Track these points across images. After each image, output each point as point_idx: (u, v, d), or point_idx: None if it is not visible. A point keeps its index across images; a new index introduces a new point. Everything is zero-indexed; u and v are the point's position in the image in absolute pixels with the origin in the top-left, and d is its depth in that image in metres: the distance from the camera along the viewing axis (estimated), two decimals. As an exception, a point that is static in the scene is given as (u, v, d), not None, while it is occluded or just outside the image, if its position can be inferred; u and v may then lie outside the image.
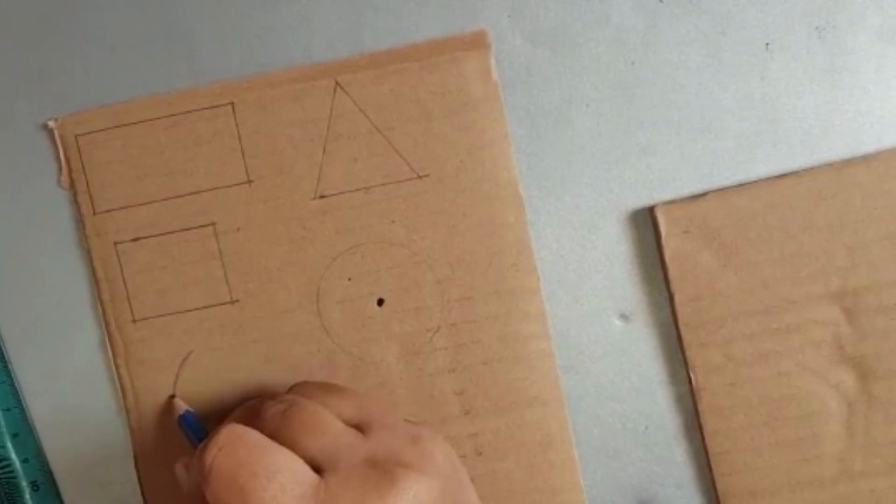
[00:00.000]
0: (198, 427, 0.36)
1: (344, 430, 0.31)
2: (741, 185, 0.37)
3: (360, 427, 0.31)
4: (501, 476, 0.37)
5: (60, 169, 0.37)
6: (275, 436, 0.30)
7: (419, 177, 0.37)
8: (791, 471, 0.37)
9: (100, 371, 0.38)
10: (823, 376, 0.37)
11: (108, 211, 0.37)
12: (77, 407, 0.38)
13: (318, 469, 0.29)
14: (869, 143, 0.37)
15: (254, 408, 0.32)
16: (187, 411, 0.36)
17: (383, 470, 0.29)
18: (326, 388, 0.34)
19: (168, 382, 0.37)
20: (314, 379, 0.37)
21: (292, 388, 0.34)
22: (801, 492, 0.37)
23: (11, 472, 0.38)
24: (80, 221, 0.37)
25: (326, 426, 0.31)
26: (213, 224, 0.37)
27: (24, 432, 0.38)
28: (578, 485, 0.37)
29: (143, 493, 0.38)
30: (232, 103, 0.37)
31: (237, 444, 0.29)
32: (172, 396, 0.37)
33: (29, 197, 0.37)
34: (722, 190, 0.37)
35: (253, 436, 0.30)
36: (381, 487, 0.28)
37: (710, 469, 0.37)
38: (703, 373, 0.37)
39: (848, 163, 0.37)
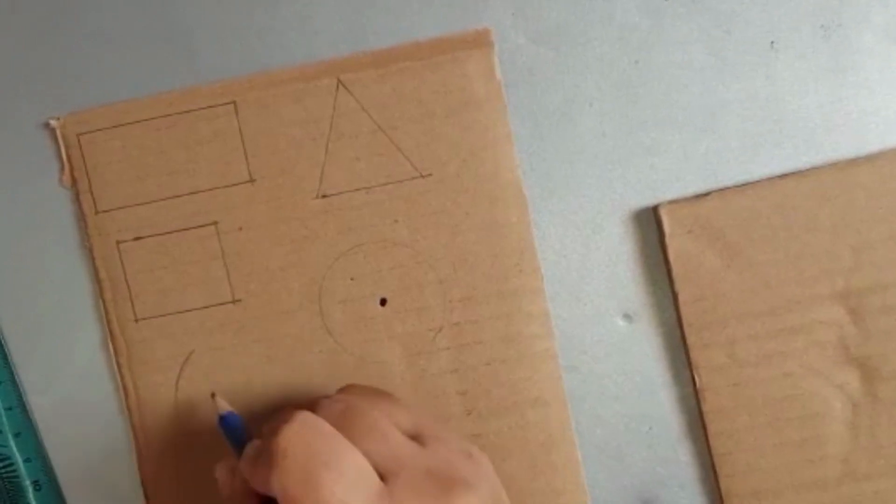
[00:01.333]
0: (241, 429, 0.35)
1: (403, 439, 0.31)
2: (745, 185, 0.37)
3: (415, 437, 0.31)
4: (504, 476, 0.37)
5: (62, 168, 0.37)
6: None
7: (422, 176, 0.37)
8: (795, 472, 0.37)
9: (102, 370, 0.38)
10: (827, 377, 0.37)
11: (110, 210, 0.37)
12: (79, 406, 0.38)
13: (380, 475, 0.29)
14: (873, 143, 0.37)
15: (308, 405, 0.32)
16: (229, 413, 0.35)
17: (444, 483, 0.29)
18: (379, 394, 0.33)
19: (170, 382, 0.37)
20: (320, 380, 0.37)
21: (344, 389, 0.34)
22: (804, 493, 0.37)
23: (14, 471, 0.38)
24: (81, 221, 0.37)
25: (386, 433, 0.30)
26: (215, 223, 0.37)
27: (27, 431, 0.38)
28: (581, 485, 0.37)
29: (144, 493, 0.38)
30: (234, 102, 0.37)
31: (312, 432, 0.29)
32: (213, 395, 0.36)
33: (31, 196, 0.37)
34: (726, 190, 0.37)
35: (329, 428, 0.29)
36: (442, 499, 0.29)
37: (714, 470, 0.37)
38: (706, 373, 0.37)
39: (852, 162, 0.36)
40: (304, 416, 0.29)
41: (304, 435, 0.29)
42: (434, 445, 0.31)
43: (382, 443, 0.30)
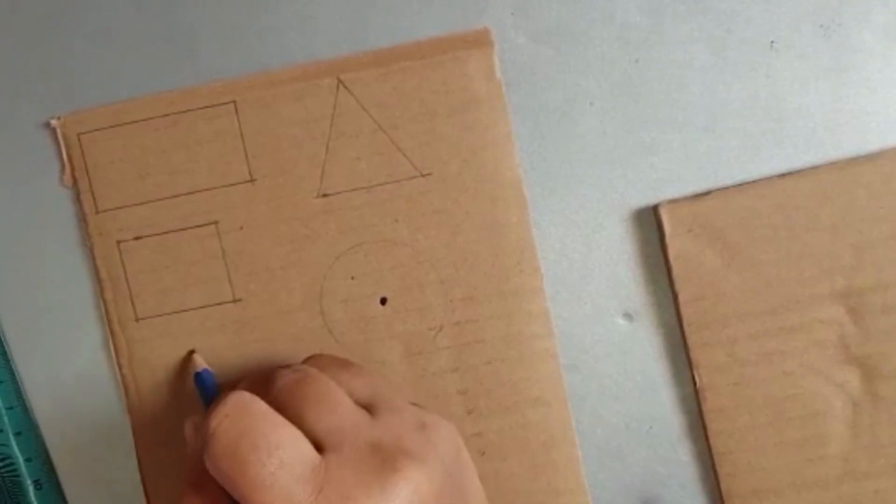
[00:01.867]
0: (213, 388, 0.35)
1: (353, 410, 0.30)
2: (746, 184, 0.37)
3: (368, 407, 0.31)
4: (504, 476, 0.37)
5: (63, 168, 0.37)
6: (283, 406, 0.30)
7: (422, 175, 0.37)
8: (795, 471, 0.37)
9: (102, 370, 0.38)
10: (828, 376, 0.37)
11: (111, 210, 0.37)
12: (80, 406, 0.38)
13: (320, 447, 0.29)
14: (874, 142, 0.37)
15: (267, 375, 0.32)
16: (205, 370, 0.36)
17: (386, 456, 0.29)
18: (341, 364, 0.33)
19: (171, 381, 0.37)
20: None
21: (309, 359, 0.34)
22: (805, 492, 0.37)
23: (15, 470, 0.38)
24: (82, 220, 0.37)
25: (336, 403, 0.30)
26: (216, 223, 0.37)
27: (28, 431, 0.38)
28: (582, 485, 0.37)
29: (145, 492, 0.38)
30: (234, 102, 0.37)
31: (243, 413, 0.29)
32: (192, 351, 0.37)
33: (31, 196, 0.37)
34: (726, 189, 0.37)
35: (259, 406, 0.29)
36: (382, 473, 0.28)
37: (715, 469, 0.37)
38: (707, 373, 0.37)
39: (853, 162, 0.36)
40: (236, 397, 0.29)
41: (233, 416, 0.29)
42: (385, 416, 0.30)
43: (329, 413, 0.30)
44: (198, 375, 0.36)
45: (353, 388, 0.32)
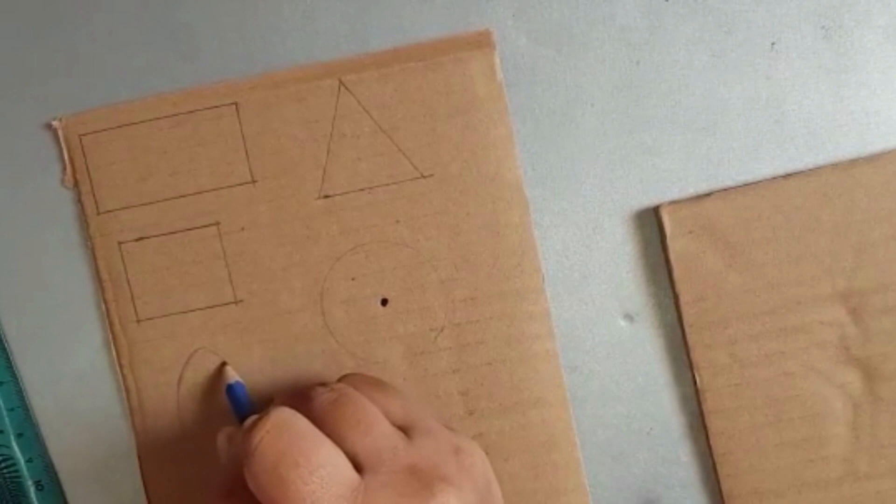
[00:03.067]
0: (245, 400, 0.36)
1: (390, 432, 0.31)
2: (746, 185, 0.37)
3: (404, 429, 0.31)
4: (506, 477, 0.37)
5: (64, 169, 0.37)
6: (321, 425, 0.30)
7: (423, 177, 0.37)
8: (796, 472, 0.37)
9: (104, 371, 0.38)
10: (829, 377, 0.37)
11: (112, 210, 0.37)
12: (81, 407, 0.38)
13: (359, 467, 0.29)
14: (875, 143, 0.37)
15: (303, 392, 0.32)
16: (237, 382, 0.36)
17: (424, 480, 0.29)
18: (376, 385, 0.34)
19: (172, 383, 0.37)
20: (322, 381, 0.37)
21: (344, 378, 0.34)
22: (806, 493, 0.37)
23: (16, 471, 0.38)
24: (83, 221, 0.37)
25: (374, 424, 0.30)
26: (217, 224, 0.37)
27: (29, 432, 0.38)
28: (583, 486, 0.37)
29: (146, 493, 0.38)
30: (236, 103, 0.37)
31: (285, 430, 0.29)
32: (224, 364, 0.37)
33: (32, 197, 0.37)
34: (727, 190, 0.37)
35: (302, 424, 0.29)
36: (420, 497, 0.28)
37: (715, 470, 0.37)
38: (708, 373, 0.37)
39: (854, 163, 0.36)
40: (278, 413, 0.29)
41: (275, 433, 0.29)
42: (421, 440, 0.31)
43: (367, 435, 0.30)
44: (230, 388, 0.36)
45: (389, 410, 0.32)
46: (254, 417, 0.30)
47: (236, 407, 0.36)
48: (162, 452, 0.37)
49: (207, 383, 0.37)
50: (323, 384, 0.33)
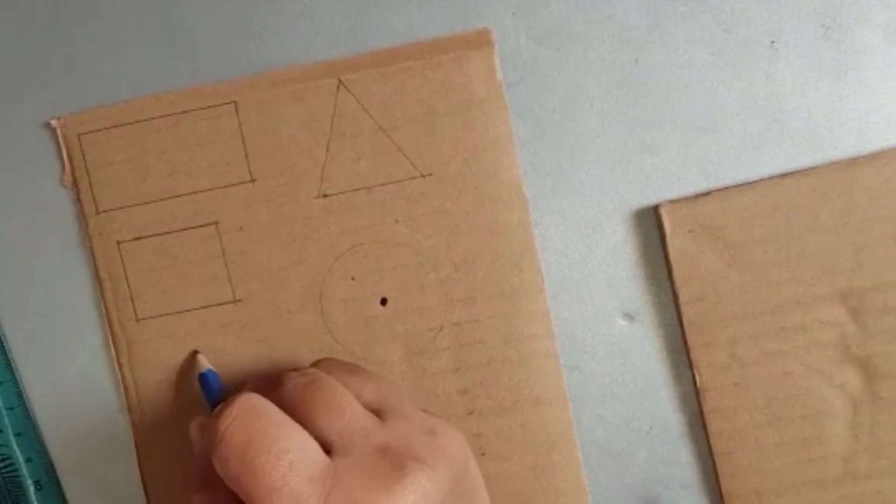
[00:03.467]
0: (217, 388, 0.35)
1: (362, 414, 0.30)
2: (746, 185, 0.37)
3: (377, 412, 0.31)
4: (505, 476, 0.37)
5: (63, 168, 0.37)
6: (292, 410, 0.30)
7: (422, 176, 0.37)
8: (796, 471, 0.37)
9: (103, 370, 0.38)
10: (829, 376, 0.37)
11: (111, 210, 0.37)
12: (80, 406, 0.38)
13: (329, 450, 0.29)
14: (875, 142, 0.37)
15: (275, 377, 0.32)
16: (209, 370, 0.36)
17: (395, 461, 0.29)
18: (350, 368, 0.34)
19: (171, 382, 0.37)
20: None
21: (317, 363, 0.34)
22: (806, 492, 0.37)
23: (15, 470, 0.38)
24: (82, 221, 0.37)
25: (345, 407, 0.30)
26: (216, 223, 0.37)
27: (28, 431, 0.38)
28: (582, 485, 0.37)
29: (145, 492, 0.38)
30: (235, 102, 0.37)
31: (252, 415, 0.29)
32: (196, 352, 0.37)
33: (31, 196, 0.37)
34: (727, 189, 0.37)
35: (269, 409, 0.29)
36: (391, 478, 0.28)
37: (715, 469, 0.37)
38: (707, 373, 0.37)
39: (854, 162, 0.36)
40: (245, 399, 0.29)
41: (242, 419, 0.29)
42: (394, 422, 0.31)
43: (338, 417, 0.30)
44: (202, 376, 0.36)
45: (363, 393, 0.32)
46: (222, 405, 0.30)
47: (209, 395, 0.35)
48: (161, 451, 0.37)
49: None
50: (295, 369, 0.32)
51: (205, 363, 0.36)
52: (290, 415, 0.29)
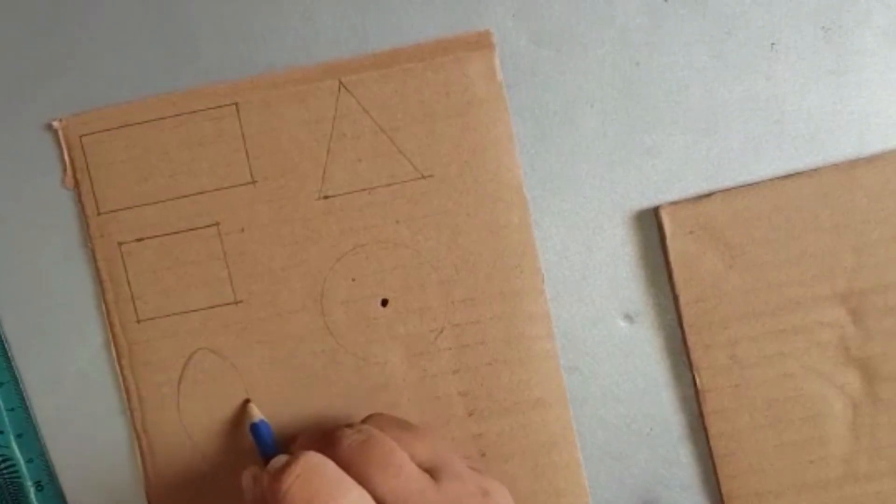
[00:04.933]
0: (270, 439, 0.36)
1: (417, 475, 0.31)
2: (746, 186, 0.37)
3: (430, 471, 0.31)
4: (505, 477, 0.37)
5: (65, 169, 0.37)
6: (348, 468, 0.30)
7: (423, 177, 0.37)
8: (796, 472, 0.37)
9: (104, 371, 0.38)
10: (829, 378, 0.37)
11: (113, 211, 0.37)
12: (81, 407, 0.38)
13: None
14: (875, 144, 0.37)
15: (330, 433, 0.32)
16: (262, 421, 0.36)
17: None
18: (402, 426, 0.34)
19: (172, 383, 0.37)
20: (322, 381, 0.37)
21: (369, 419, 0.35)
22: (806, 493, 0.37)
23: (16, 472, 0.38)
24: (84, 222, 0.37)
25: (401, 467, 0.31)
26: (217, 224, 0.37)
27: (29, 432, 0.38)
28: (583, 486, 0.37)
29: (146, 493, 0.38)
30: (236, 104, 0.37)
31: (314, 474, 0.30)
32: (247, 401, 0.37)
33: (33, 197, 0.37)
34: (727, 190, 0.37)
35: (329, 468, 0.30)
36: None
37: (715, 471, 0.37)
38: (708, 374, 0.37)
39: (854, 163, 0.36)
40: (308, 458, 0.30)
41: (305, 477, 0.29)
42: (448, 483, 0.31)
43: (394, 477, 0.30)
44: (254, 427, 0.36)
45: (416, 452, 0.32)
46: (281, 458, 0.31)
47: (261, 446, 0.35)
48: (161, 452, 0.37)
49: (207, 384, 0.37)
50: (349, 425, 0.33)
51: (257, 414, 0.36)
52: (347, 473, 0.30)
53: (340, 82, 0.37)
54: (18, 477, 0.38)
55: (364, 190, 0.37)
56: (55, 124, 0.37)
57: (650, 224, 0.37)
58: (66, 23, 0.37)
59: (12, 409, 0.38)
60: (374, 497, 0.30)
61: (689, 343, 0.37)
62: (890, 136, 0.37)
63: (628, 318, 0.38)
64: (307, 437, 0.34)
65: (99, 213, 0.37)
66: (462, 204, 0.37)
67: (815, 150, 0.37)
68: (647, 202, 0.37)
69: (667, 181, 0.37)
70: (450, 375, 0.37)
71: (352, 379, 0.37)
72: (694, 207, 0.37)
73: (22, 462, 0.38)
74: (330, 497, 0.29)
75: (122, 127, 0.37)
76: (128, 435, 0.38)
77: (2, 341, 0.38)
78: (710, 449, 0.37)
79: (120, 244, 0.37)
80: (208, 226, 0.37)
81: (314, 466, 0.30)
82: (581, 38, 0.37)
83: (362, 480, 0.30)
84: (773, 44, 0.37)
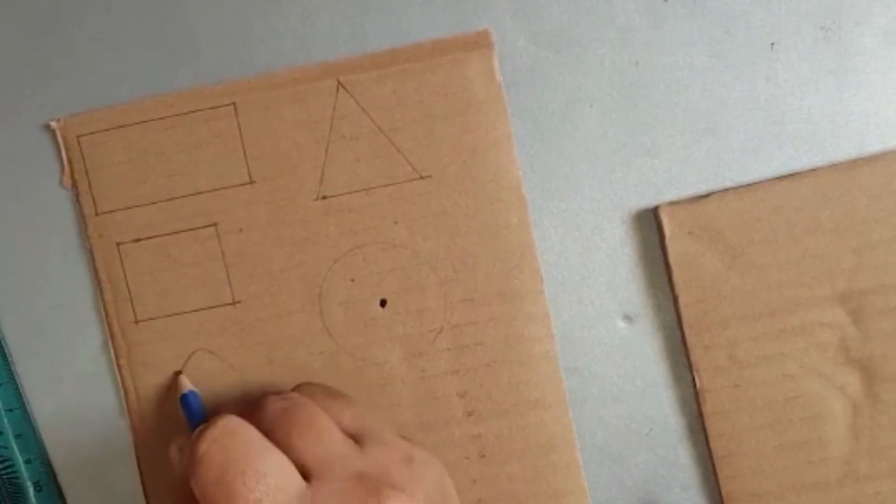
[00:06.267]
0: (199, 410, 0.36)
1: (340, 439, 0.31)
2: (746, 186, 0.37)
3: (356, 438, 0.31)
4: (504, 478, 0.37)
5: (63, 169, 0.37)
6: (271, 433, 0.30)
7: (422, 178, 0.37)
8: (796, 473, 0.37)
9: (102, 372, 0.38)
10: (829, 378, 0.37)
11: (111, 212, 0.37)
12: (80, 408, 0.38)
13: (307, 475, 0.29)
14: (874, 144, 0.37)
15: (256, 400, 0.32)
16: (191, 392, 0.36)
17: (372, 487, 0.29)
18: (330, 393, 0.34)
19: (170, 384, 0.37)
20: (321, 382, 0.37)
21: (297, 388, 0.34)
22: (805, 494, 0.37)
23: (15, 472, 0.38)
24: (82, 222, 0.37)
25: (324, 432, 0.31)
26: (216, 225, 0.37)
27: (28, 433, 0.38)
28: (582, 487, 0.37)
29: (145, 494, 0.38)
30: (234, 104, 0.37)
31: (231, 438, 0.29)
32: (178, 373, 0.37)
33: (31, 198, 0.37)
34: (726, 191, 0.37)
35: (248, 432, 0.29)
36: (367, 503, 0.28)
37: (715, 472, 0.37)
38: (707, 375, 0.37)
39: (853, 164, 0.36)
40: (225, 422, 0.29)
41: (221, 441, 0.29)
42: (372, 448, 0.31)
43: (317, 442, 0.30)
44: (184, 397, 0.36)
45: (342, 419, 0.32)
46: (201, 426, 0.30)
47: (190, 417, 0.35)
48: (160, 453, 0.37)
49: (205, 385, 0.37)
50: (276, 393, 0.33)
51: (186, 384, 0.36)
52: (269, 438, 0.30)
53: (339, 82, 0.37)
54: (17, 477, 0.38)
55: (363, 190, 0.37)
56: (53, 124, 0.37)
57: (649, 224, 0.37)
58: (64, 23, 0.37)
59: (11, 410, 0.38)
60: (296, 463, 0.29)
61: (689, 344, 0.37)
62: (890, 136, 0.37)
63: (628, 318, 0.38)
64: (235, 406, 0.34)
65: (97, 214, 0.37)
66: (461, 204, 0.37)
67: (814, 151, 0.37)
68: (647, 202, 0.37)
69: (666, 181, 0.37)
70: (449, 376, 0.37)
71: (350, 380, 0.37)
72: (693, 208, 0.37)
73: (21, 462, 0.38)
74: (247, 461, 0.28)
75: (120, 127, 0.37)
76: (126, 435, 0.38)
77: (0, 342, 0.38)
78: (709, 450, 0.37)
79: (118, 244, 0.37)
80: (206, 226, 0.37)
81: (232, 430, 0.29)
82: (580, 38, 0.37)
83: (284, 446, 0.30)
84: (772, 44, 0.37)
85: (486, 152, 0.37)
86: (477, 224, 0.37)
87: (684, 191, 0.37)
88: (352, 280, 0.37)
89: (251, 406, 0.32)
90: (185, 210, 0.37)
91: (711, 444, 0.37)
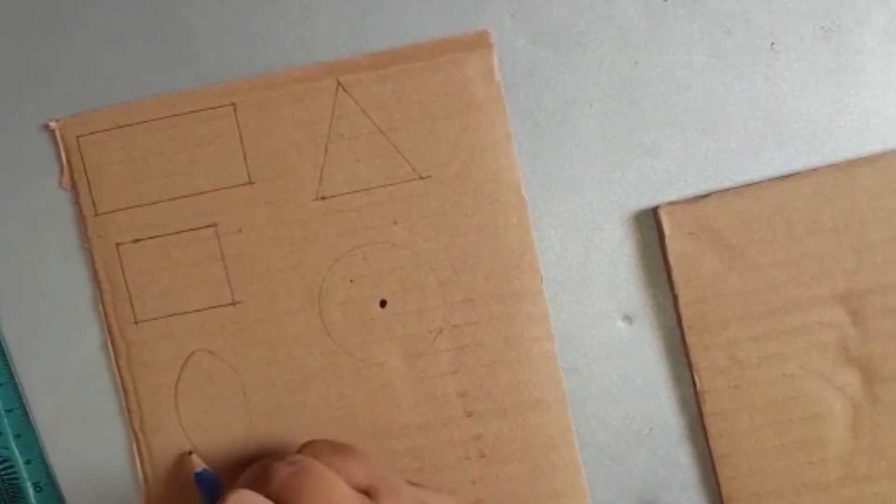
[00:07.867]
0: (213, 485, 0.36)
1: (353, 498, 0.31)
2: (746, 186, 0.37)
3: (368, 491, 0.31)
4: (504, 478, 0.37)
5: (62, 170, 0.37)
6: (283, 501, 0.30)
7: (421, 178, 0.37)
8: (796, 473, 0.37)
9: (102, 372, 0.38)
10: (828, 378, 0.37)
11: (110, 212, 0.37)
12: (79, 408, 0.38)
13: None
14: (874, 144, 0.37)
15: (264, 468, 0.32)
16: (204, 469, 0.36)
17: None
18: (337, 450, 0.34)
19: (170, 384, 0.37)
20: (320, 382, 0.37)
21: (303, 448, 0.34)
22: (805, 494, 0.37)
23: (14, 472, 0.38)
24: (81, 222, 0.37)
25: (334, 494, 0.30)
26: (215, 225, 0.37)
27: (27, 433, 0.38)
28: (581, 487, 0.37)
29: (144, 494, 0.38)
30: (233, 104, 0.37)
31: None
32: (189, 453, 0.37)
33: (30, 198, 0.37)
34: (726, 191, 0.37)
35: (261, 502, 0.30)
36: None
37: (715, 472, 0.37)
38: (707, 375, 0.37)
39: (853, 163, 0.36)
40: (237, 497, 0.30)
41: None
42: (385, 500, 0.31)
43: None
44: (198, 475, 0.36)
45: (352, 474, 0.32)
46: None
47: (205, 494, 0.36)
48: (159, 453, 0.37)
49: (204, 385, 0.37)
50: (282, 458, 0.33)
51: (199, 463, 0.37)
52: None
53: (338, 82, 0.37)
54: (17, 478, 0.38)
55: (362, 190, 0.37)
56: (52, 125, 0.37)
57: (649, 224, 0.37)
58: (63, 23, 0.37)
59: (10, 410, 0.38)
60: None
61: (689, 344, 0.37)
62: (890, 136, 0.37)
63: (627, 318, 0.38)
64: (244, 477, 0.34)
65: (96, 214, 0.37)
66: (460, 204, 0.37)
67: (814, 150, 0.37)
68: (646, 202, 0.37)
69: (666, 181, 0.37)
70: (448, 376, 0.37)
71: (350, 380, 0.37)
72: (693, 208, 0.37)
73: (20, 463, 0.38)
74: None
75: (119, 127, 0.37)
76: (126, 436, 0.38)
77: (0, 342, 0.38)
78: (709, 450, 0.37)
79: (117, 245, 0.37)
80: (206, 226, 0.37)
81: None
82: (580, 38, 0.37)
83: None
84: (772, 44, 0.37)
85: (485, 152, 0.37)
86: (477, 224, 0.37)
87: (684, 191, 0.37)
88: (351, 280, 0.37)
89: (259, 475, 0.32)
90: (185, 210, 0.37)
91: (711, 444, 0.37)
